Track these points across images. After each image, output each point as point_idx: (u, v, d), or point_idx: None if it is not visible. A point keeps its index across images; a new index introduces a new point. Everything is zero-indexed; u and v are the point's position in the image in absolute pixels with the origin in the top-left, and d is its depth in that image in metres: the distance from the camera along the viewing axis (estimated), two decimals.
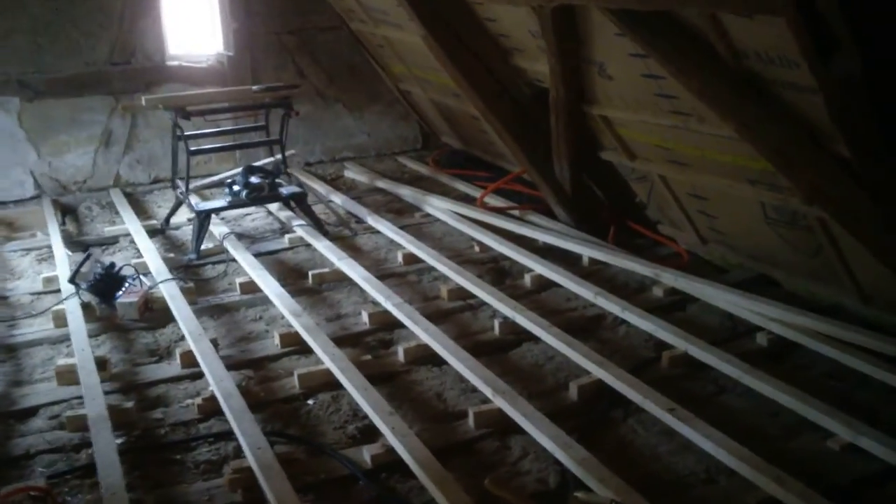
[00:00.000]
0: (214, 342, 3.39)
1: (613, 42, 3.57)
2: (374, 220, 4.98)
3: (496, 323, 3.57)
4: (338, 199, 5.50)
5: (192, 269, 4.40)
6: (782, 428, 2.78)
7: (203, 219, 4.58)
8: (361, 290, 4.00)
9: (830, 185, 2.93)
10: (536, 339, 3.43)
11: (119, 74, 5.82)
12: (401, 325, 3.58)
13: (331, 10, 6.18)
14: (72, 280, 3.89)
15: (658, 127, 3.78)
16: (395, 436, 2.64)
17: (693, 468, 2.58)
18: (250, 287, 4.04)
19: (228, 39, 6.20)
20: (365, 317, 3.69)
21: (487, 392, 2.94)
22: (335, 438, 2.82)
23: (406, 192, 5.54)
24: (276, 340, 3.49)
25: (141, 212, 5.43)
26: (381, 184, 5.83)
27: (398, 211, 5.35)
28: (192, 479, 2.64)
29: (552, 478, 2.55)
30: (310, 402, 3.07)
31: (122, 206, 5.41)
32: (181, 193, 4.95)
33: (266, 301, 3.89)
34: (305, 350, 3.40)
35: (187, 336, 3.42)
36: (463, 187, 5.69)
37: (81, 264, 4.01)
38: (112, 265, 3.97)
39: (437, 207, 5.16)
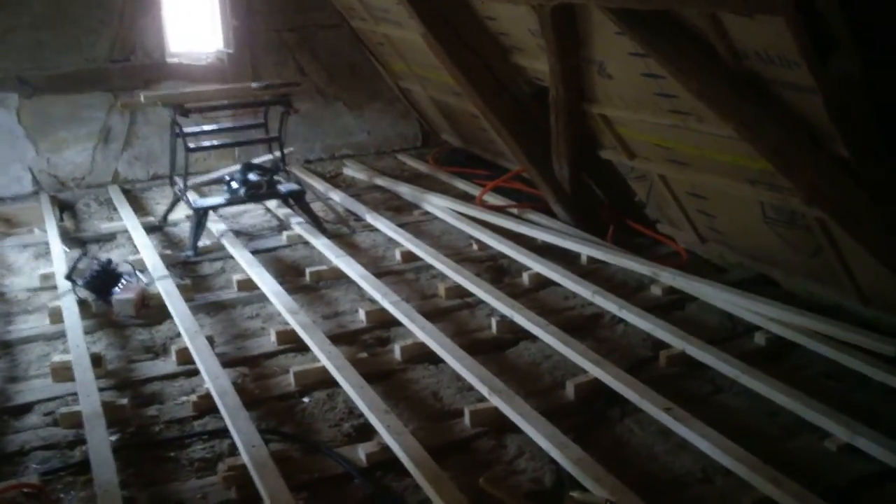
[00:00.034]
0: (210, 339, 3.39)
1: (613, 41, 3.56)
2: (372, 218, 4.97)
3: (494, 321, 3.56)
4: (336, 196, 5.49)
5: (189, 266, 4.40)
6: (780, 428, 2.77)
7: (201, 215, 4.57)
8: (359, 288, 3.99)
9: (830, 184, 2.92)
10: (534, 338, 3.42)
11: (119, 71, 5.82)
12: (398, 323, 3.58)
13: (331, 7, 6.18)
14: (68, 276, 3.89)
15: (657, 126, 3.78)
16: (390, 434, 2.63)
17: (689, 468, 2.57)
18: (247, 284, 4.03)
19: (228, 37, 6.20)
20: (362, 314, 3.69)
21: (484, 391, 2.93)
22: (330, 436, 2.82)
23: (405, 190, 5.53)
24: (273, 338, 3.48)
25: (139, 208, 5.42)
26: (381, 181, 5.82)
27: (397, 209, 5.34)
28: (186, 476, 2.63)
29: (547, 477, 2.55)
30: (305, 399, 3.06)
31: (120, 203, 5.41)
32: (179, 190, 4.95)
33: (263, 298, 3.88)
34: (302, 348, 3.40)
35: (183, 333, 3.41)
36: (462, 185, 5.68)
37: (78, 260, 4.00)
38: (109, 262, 3.97)
39: (436, 205, 5.15)
